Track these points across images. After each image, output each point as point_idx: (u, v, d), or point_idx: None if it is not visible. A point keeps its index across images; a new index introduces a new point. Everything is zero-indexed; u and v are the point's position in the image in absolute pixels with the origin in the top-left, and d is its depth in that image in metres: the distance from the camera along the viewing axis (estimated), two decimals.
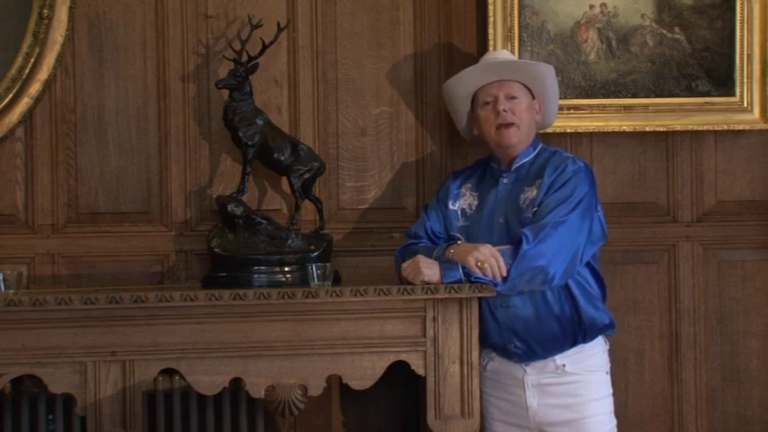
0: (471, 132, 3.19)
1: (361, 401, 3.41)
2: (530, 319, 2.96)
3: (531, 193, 2.97)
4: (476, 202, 3.08)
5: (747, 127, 3.51)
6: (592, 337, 3.00)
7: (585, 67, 3.46)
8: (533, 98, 3.09)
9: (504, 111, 3.01)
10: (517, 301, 2.95)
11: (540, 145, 3.09)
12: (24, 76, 3.30)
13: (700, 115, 3.49)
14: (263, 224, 3.19)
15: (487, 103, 3.05)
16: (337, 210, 3.45)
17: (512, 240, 2.89)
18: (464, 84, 3.11)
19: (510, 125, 3.00)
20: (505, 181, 3.05)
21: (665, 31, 3.47)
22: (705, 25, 3.48)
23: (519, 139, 3.03)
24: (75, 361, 2.81)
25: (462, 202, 3.10)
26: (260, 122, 3.20)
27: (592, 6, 3.45)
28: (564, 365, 2.97)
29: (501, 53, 3.20)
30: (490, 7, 3.41)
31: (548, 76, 3.12)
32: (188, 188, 3.40)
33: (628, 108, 3.47)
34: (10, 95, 3.30)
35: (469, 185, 3.12)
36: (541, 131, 3.23)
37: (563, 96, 3.40)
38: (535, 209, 2.93)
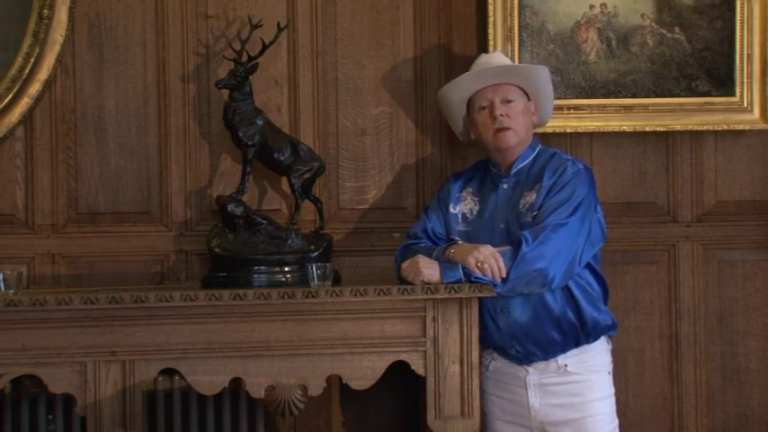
0: (469, 135, 3.19)
1: (362, 401, 3.41)
2: (530, 324, 2.95)
3: (531, 197, 2.97)
4: (477, 207, 3.08)
5: (747, 127, 3.51)
6: (595, 338, 3.00)
7: (585, 67, 3.46)
8: (529, 99, 3.09)
9: (501, 115, 3.00)
10: (517, 306, 2.95)
11: (539, 147, 3.09)
12: (24, 76, 3.30)
13: (700, 115, 3.49)
14: (263, 224, 3.19)
15: (483, 108, 3.05)
16: (337, 210, 3.45)
17: (512, 242, 2.89)
18: (459, 90, 3.11)
19: (507, 129, 3.00)
20: (505, 186, 3.05)
21: (665, 31, 3.47)
22: (705, 25, 3.48)
23: (516, 142, 3.03)
24: (75, 361, 2.81)
25: (463, 206, 3.10)
26: (260, 122, 3.20)
27: (592, 6, 3.45)
28: (566, 366, 2.97)
29: (495, 56, 3.19)
30: (490, 7, 3.41)
31: (541, 77, 3.12)
32: (188, 188, 3.40)
33: (628, 108, 3.47)
34: (10, 95, 3.30)
35: (470, 189, 3.12)
36: (539, 131, 3.23)
37: (563, 96, 3.40)
38: (535, 212, 2.92)
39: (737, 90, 3.49)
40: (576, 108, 3.46)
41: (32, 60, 3.30)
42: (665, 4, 3.47)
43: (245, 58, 3.17)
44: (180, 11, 3.39)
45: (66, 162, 3.36)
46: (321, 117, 3.45)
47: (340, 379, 2.96)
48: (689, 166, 3.56)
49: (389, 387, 3.12)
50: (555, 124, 3.37)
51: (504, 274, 2.82)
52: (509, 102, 3.03)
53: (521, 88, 3.07)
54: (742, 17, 3.46)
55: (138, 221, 3.39)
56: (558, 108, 3.34)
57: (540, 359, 2.98)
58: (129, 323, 2.82)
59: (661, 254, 3.55)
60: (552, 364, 2.98)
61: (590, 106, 3.47)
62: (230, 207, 3.16)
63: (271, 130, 3.22)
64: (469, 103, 3.11)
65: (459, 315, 2.90)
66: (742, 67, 3.48)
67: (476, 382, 2.91)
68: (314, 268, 2.93)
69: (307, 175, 3.22)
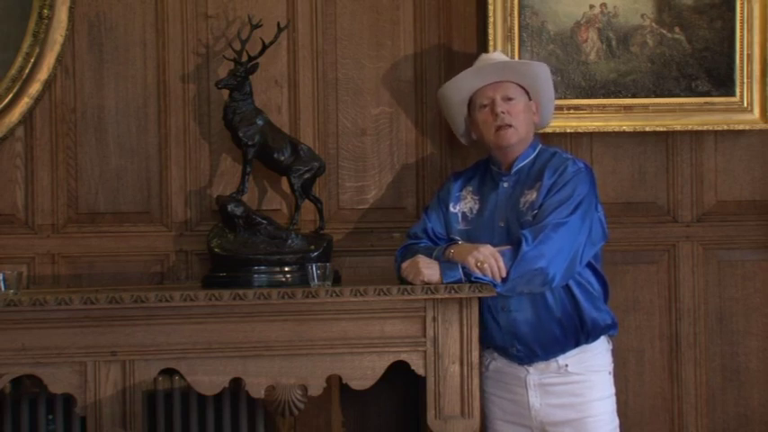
0: (470, 136, 3.19)
1: (362, 401, 3.41)
2: (531, 322, 2.96)
3: (531, 195, 2.97)
4: (477, 206, 3.08)
5: (747, 127, 3.51)
6: (594, 338, 3.00)
7: (585, 67, 3.46)
8: (530, 99, 3.09)
9: (503, 112, 3.00)
10: (518, 305, 2.95)
11: (540, 146, 3.09)
12: (24, 76, 3.30)
13: (700, 115, 3.49)
14: (263, 224, 3.19)
15: (485, 106, 3.05)
16: (337, 210, 3.45)
17: (512, 242, 2.89)
18: (459, 88, 3.10)
19: (508, 126, 3.00)
20: (506, 185, 3.05)
21: (665, 31, 3.47)
22: (705, 25, 3.48)
23: (517, 140, 3.02)
24: (75, 361, 2.81)
25: (463, 205, 3.10)
26: (260, 122, 3.20)
27: (592, 6, 3.45)
28: (567, 366, 2.97)
29: (495, 55, 3.20)
30: (490, 7, 3.41)
31: (541, 74, 3.11)
32: (188, 188, 3.40)
33: (628, 108, 3.47)
34: (10, 95, 3.30)
35: (470, 188, 3.11)
36: (539, 132, 3.23)
37: (563, 96, 3.40)
38: (535, 211, 2.92)
39: (737, 90, 3.49)
40: (576, 108, 3.46)
41: (32, 60, 3.30)
42: (665, 4, 3.47)
43: (245, 58, 3.17)
44: (180, 11, 3.39)
45: (66, 162, 3.36)
46: (321, 117, 3.45)
47: (340, 379, 2.96)
48: (689, 166, 3.56)
49: (389, 387, 3.12)
50: (555, 124, 3.37)
51: (503, 274, 2.82)
52: (510, 99, 3.03)
53: (522, 87, 3.07)
54: (742, 17, 3.46)
55: (138, 221, 3.39)
56: (558, 108, 3.34)
57: (541, 359, 2.98)
58: (129, 323, 2.82)
59: (661, 254, 3.55)
60: (552, 364, 2.98)
61: (590, 106, 3.47)
62: (230, 207, 3.16)
63: (271, 130, 3.22)
64: (470, 103, 3.10)
65: (459, 315, 2.90)
66: (742, 67, 3.48)
67: (476, 382, 2.91)
68: (314, 268, 2.93)
69: (307, 175, 3.22)
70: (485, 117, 3.04)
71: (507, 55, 3.30)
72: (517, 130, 3.01)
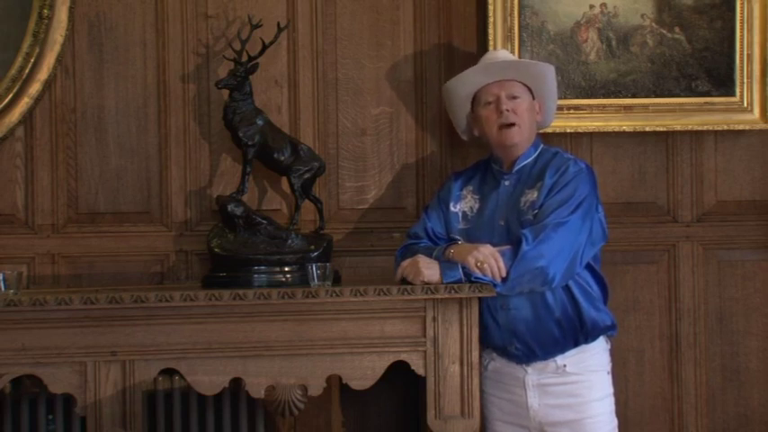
0: (471, 133, 3.19)
1: (362, 401, 3.41)
2: (530, 321, 2.95)
3: (532, 195, 2.97)
4: (477, 205, 3.08)
5: (747, 127, 3.51)
6: (594, 339, 3.00)
7: (585, 67, 3.46)
8: (533, 98, 3.09)
9: (507, 110, 3.00)
10: (517, 303, 2.95)
11: (541, 146, 3.09)
12: (24, 76, 3.30)
13: (700, 115, 3.49)
14: (263, 224, 3.19)
15: (489, 103, 3.05)
16: (337, 210, 3.45)
17: (512, 241, 2.89)
18: (465, 84, 3.10)
19: (512, 125, 3.00)
20: (506, 183, 3.05)
21: (665, 31, 3.47)
22: (705, 25, 3.48)
23: (521, 139, 3.03)
24: (75, 361, 2.81)
25: (463, 204, 3.10)
26: (260, 122, 3.20)
27: (592, 6, 3.45)
28: (565, 366, 2.97)
29: (501, 53, 3.20)
30: (490, 7, 3.41)
31: (548, 75, 3.12)
32: (188, 188, 3.40)
33: (628, 108, 3.47)
34: (10, 95, 3.30)
35: (471, 188, 3.11)
36: (540, 131, 3.23)
37: (563, 96, 3.40)
38: (536, 211, 2.92)
39: (737, 90, 3.49)
40: (576, 108, 3.46)
41: (32, 60, 3.30)
42: (665, 4, 3.47)
43: (245, 58, 3.17)
44: (180, 11, 3.39)
45: (66, 162, 3.36)
46: (321, 117, 3.45)
47: (340, 379, 2.96)
48: (689, 166, 3.56)
49: (389, 387, 3.12)
50: (555, 124, 3.36)
51: (503, 274, 2.82)
52: (515, 98, 3.03)
53: (526, 86, 3.07)
54: (742, 17, 3.46)
55: (138, 221, 3.39)
56: (558, 108, 3.33)
57: (540, 359, 2.98)
58: (129, 323, 2.82)
59: (661, 254, 3.55)
60: (551, 364, 2.98)
61: (590, 106, 3.47)
62: (230, 207, 3.16)
63: (271, 130, 3.22)
64: (474, 99, 3.10)
65: (459, 315, 2.90)
66: (742, 67, 3.48)
67: (476, 382, 2.91)
68: (314, 268, 2.93)
69: (307, 175, 3.22)
70: (489, 114, 3.04)
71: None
72: (521, 128, 3.01)
